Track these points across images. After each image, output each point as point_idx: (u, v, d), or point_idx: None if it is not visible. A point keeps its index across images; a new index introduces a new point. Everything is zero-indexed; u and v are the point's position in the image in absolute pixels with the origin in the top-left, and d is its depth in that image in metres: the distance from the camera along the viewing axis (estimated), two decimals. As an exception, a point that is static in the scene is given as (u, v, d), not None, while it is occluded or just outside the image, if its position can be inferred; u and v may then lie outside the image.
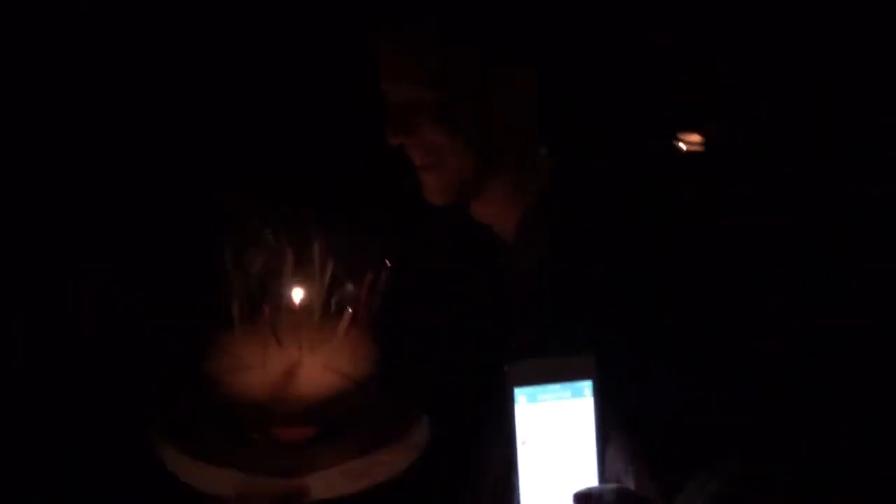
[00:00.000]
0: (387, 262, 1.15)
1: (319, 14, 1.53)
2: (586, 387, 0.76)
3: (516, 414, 0.75)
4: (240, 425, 1.12)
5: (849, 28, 2.09)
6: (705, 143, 2.17)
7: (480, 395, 0.99)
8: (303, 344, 1.14)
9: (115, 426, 1.20)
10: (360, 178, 1.06)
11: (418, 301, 1.19)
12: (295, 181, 1.33)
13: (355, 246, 1.16)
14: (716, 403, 0.89)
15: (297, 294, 1.15)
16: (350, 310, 1.13)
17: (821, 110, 2.17)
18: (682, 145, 2.18)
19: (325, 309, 1.17)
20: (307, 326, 1.15)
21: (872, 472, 1.07)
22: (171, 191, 1.41)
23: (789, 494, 0.88)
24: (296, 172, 1.35)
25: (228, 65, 1.52)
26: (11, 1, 1.37)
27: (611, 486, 0.76)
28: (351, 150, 1.08)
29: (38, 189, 1.35)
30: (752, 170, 2.13)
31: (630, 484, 0.77)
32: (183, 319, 1.24)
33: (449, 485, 1.15)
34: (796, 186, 2.20)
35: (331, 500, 1.08)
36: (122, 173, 1.44)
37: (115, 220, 1.37)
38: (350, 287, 1.16)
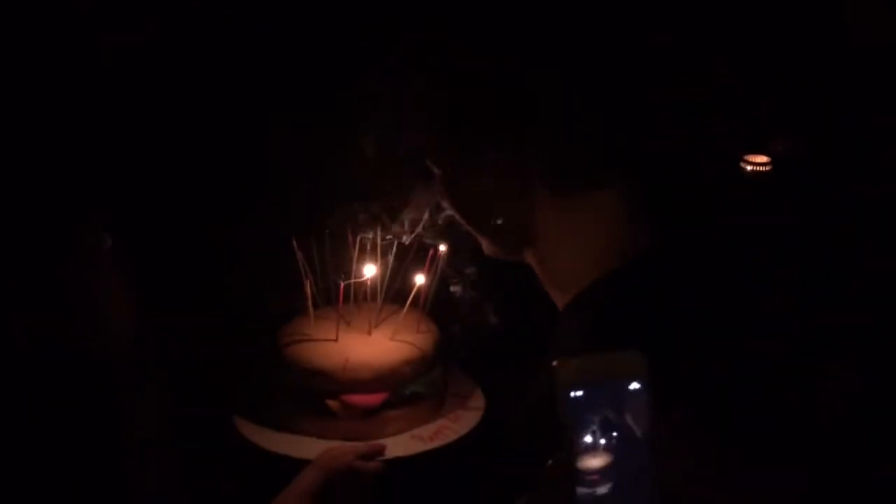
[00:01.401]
0: (442, 246, 1.27)
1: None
2: (636, 385, 0.75)
3: (567, 409, 0.74)
4: (316, 394, 1.23)
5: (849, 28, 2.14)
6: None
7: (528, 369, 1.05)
8: (370, 320, 1.26)
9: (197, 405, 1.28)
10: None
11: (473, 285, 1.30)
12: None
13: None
14: None
15: (370, 270, 1.27)
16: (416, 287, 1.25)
17: (821, 110, 2.25)
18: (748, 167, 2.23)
19: (388, 290, 1.30)
20: (373, 306, 1.28)
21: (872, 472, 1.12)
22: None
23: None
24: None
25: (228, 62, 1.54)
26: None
27: None
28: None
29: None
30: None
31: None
32: (257, 302, 1.35)
33: (506, 447, 1.26)
34: (796, 187, 2.29)
35: (404, 457, 1.20)
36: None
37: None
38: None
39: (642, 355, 0.74)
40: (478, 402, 1.31)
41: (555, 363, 0.71)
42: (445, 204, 0.98)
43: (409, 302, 1.26)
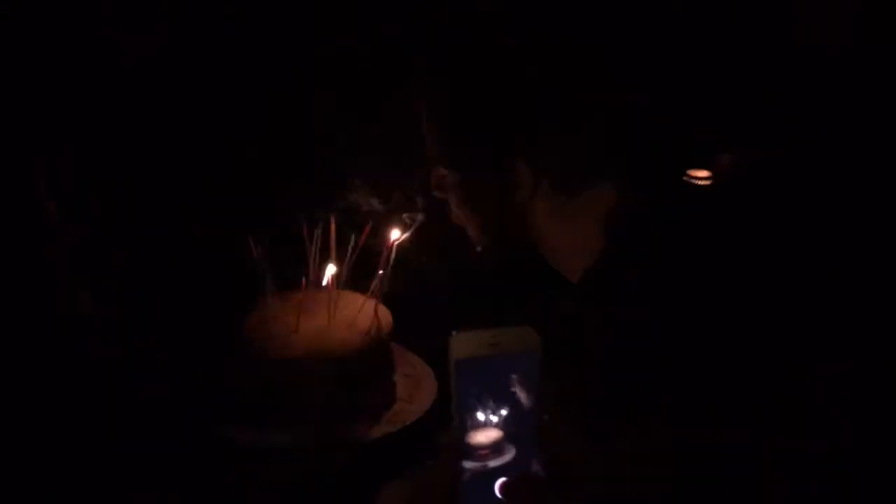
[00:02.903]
0: (395, 237, 1.33)
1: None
2: (532, 359, 0.79)
3: (459, 379, 0.78)
4: (280, 384, 1.26)
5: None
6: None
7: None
8: (329, 311, 1.31)
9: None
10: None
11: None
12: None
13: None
14: None
15: (330, 269, 1.32)
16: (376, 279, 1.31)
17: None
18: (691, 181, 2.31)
19: (346, 283, 1.35)
20: (331, 298, 1.33)
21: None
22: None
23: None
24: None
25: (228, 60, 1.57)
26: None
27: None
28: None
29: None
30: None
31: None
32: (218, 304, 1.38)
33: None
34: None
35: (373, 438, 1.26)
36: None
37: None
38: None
39: (533, 331, 0.79)
40: (430, 383, 1.38)
41: (452, 334, 0.77)
42: (452, 204, 1.11)
43: (369, 292, 1.32)
